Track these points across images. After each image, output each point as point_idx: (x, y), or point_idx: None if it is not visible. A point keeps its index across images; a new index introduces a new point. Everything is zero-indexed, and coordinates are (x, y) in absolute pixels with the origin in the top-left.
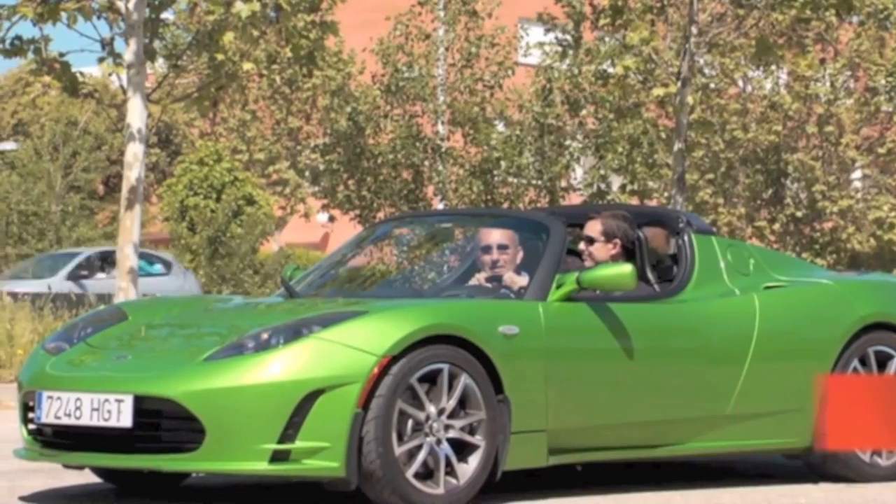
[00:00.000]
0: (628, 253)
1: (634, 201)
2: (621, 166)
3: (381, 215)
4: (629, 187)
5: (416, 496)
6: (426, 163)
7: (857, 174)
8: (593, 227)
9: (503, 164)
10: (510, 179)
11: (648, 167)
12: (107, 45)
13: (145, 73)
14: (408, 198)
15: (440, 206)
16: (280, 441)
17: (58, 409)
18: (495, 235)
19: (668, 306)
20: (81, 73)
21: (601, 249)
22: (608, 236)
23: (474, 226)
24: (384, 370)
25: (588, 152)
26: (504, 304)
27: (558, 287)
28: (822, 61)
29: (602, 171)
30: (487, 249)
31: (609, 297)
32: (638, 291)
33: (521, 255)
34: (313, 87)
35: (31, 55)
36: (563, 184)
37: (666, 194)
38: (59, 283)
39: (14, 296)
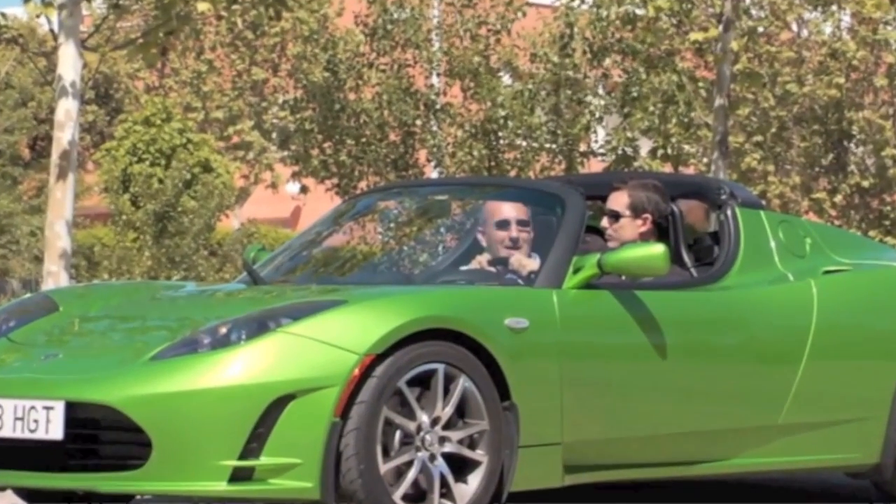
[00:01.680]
0: (660, 231)
1: (667, 169)
2: (652, 127)
3: (363, 185)
4: (661, 152)
5: None
6: (418, 122)
7: None
8: (618, 200)
9: (510, 123)
10: (518, 142)
11: (684, 128)
12: None
13: (80, 14)
14: (396, 164)
15: (435, 175)
16: (242, 457)
17: None
18: (513, 208)
19: (708, 294)
20: (3, 16)
21: (628, 226)
22: (636, 210)
23: (475, 198)
24: (367, 371)
25: (612, 110)
26: (511, 293)
27: (576, 271)
28: (894, 0)
29: (629, 133)
30: (504, 225)
31: (637, 284)
32: (671, 277)
33: (531, 233)
34: (282, 31)
35: None
36: (583, 148)
37: (705, 160)
38: None
39: None
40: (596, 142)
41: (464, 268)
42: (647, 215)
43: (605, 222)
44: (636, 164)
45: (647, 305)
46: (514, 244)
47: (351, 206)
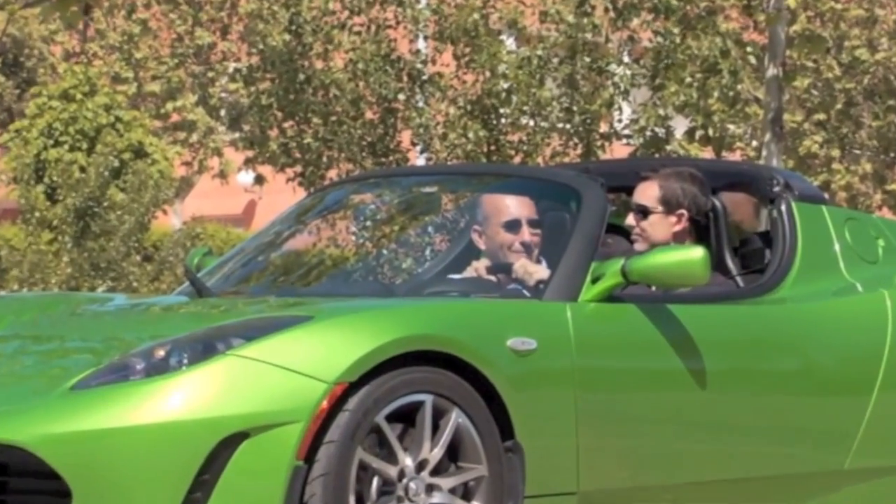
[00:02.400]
0: (698, 230)
1: (708, 154)
2: (689, 103)
3: (332, 175)
4: (700, 133)
5: None
6: (401, 97)
7: None
8: (647, 192)
9: (515, 98)
10: (524, 122)
11: (729, 104)
12: None
13: None
14: (373, 148)
15: (421, 162)
16: None
17: None
18: (521, 205)
19: (758, 309)
20: None
21: (659, 225)
22: (669, 205)
23: (471, 190)
24: (337, 404)
25: (640, 82)
26: (515, 307)
27: (595, 280)
28: None
29: (660, 110)
30: (514, 226)
31: (670, 297)
32: (712, 287)
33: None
34: None
35: None
36: (603, 128)
37: (754, 144)
38: None
39: None
40: (620, 121)
41: (457, 276)
42: (683, 211)
43: (630, 220)
44: (669, 148)
45: (683, 323)
46: (528, 250)
47: (318, 201)
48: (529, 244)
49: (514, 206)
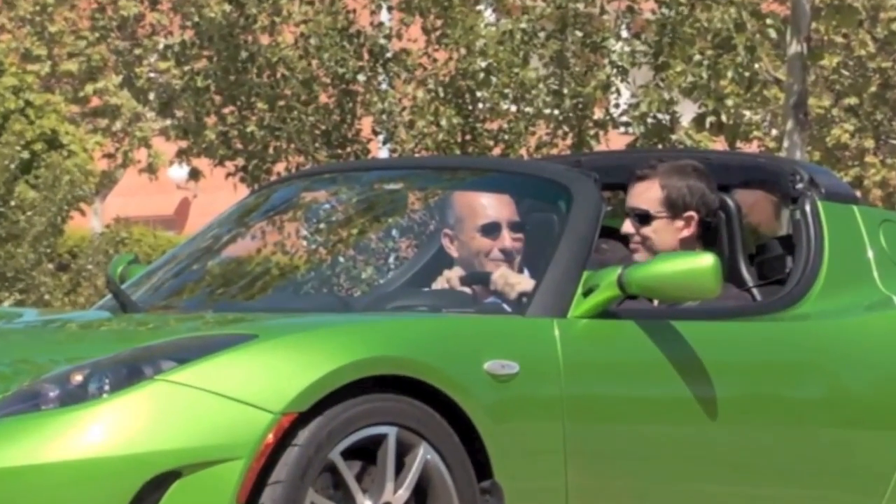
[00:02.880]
0: (708, 234)
1: (719, 145)
2: (698, 85)
3: (280, 169)
4: (711, 120)
5: None
6: (361, 77)
7: None
8: (647, 195)
9: (494, 79)
10: (506, 107)
11: (744, 86)
12: None
13: None
14: (328, 138)
15: (384, 154)
16: None
17: None
18: (501, 205)
19: (778, 327)
20: None
21: (664, 232)
22: (674, 207)
23: (443, 187)
24: (285, 438)
25: (641, 60)
26: (493, 324)
27: (587, 293)
28: None
29: (665, 94)
30: (492, 229)
31: (675, 312)
32: (725, 301)
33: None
34: None
35: None
36: (598, 114)
37: (774, 133)
38: None
39: None
40: (617, 106)
41: (425, 288)
42: (692, 213)
43: (628, 227)
44: (675, 137)
45: (690, 343)
46: (509, 258)
47: (263, 200)
48: (511, 251)
49: (493, 206)
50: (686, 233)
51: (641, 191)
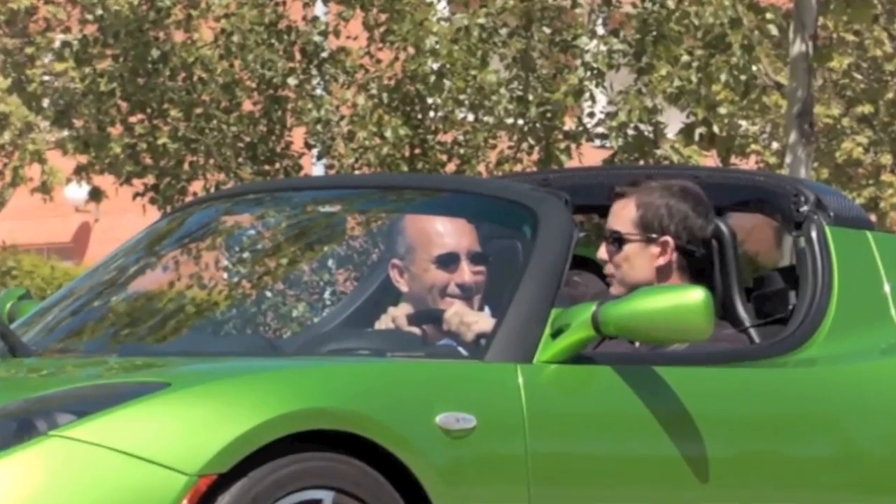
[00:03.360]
0: (694, 265)
1: (712, 161)
2: (685, 90)
3: (197, 189)
4: (701, 132)
5: None
6: (292, 81)
7: None
8: (621, 214)
9: (448, 84)
10: (461, 115)
11: (740, 91)
12: None
13: None
14: (254, 152)
15: (319, 171)
16: None
17: None
18: (459, 232)
19: (779, 374)
20: None
21: (637, 258)
22: (647, 228)
23: (388, 209)
24: (203, 503)
25: (620, 61)
26: (447, 370)
27: (556, 334)
28: None
29: (648, 100)
30: (449, 261)
31: (659, 356)
32: (717, 343)
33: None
34: None
35: None
36: (569, 125)
37: (775, 146)
38: None
39: None
40: (592, 115)
41: (367, 328)
42: (667, 238)
43: (603, 252)
44: (659, 152)
45: (676, 392)
46: (468, 294)
47: (177, 224)
48: (470, 286)
49: (451, 233)
50: (662, 260)
51: (617, 210)
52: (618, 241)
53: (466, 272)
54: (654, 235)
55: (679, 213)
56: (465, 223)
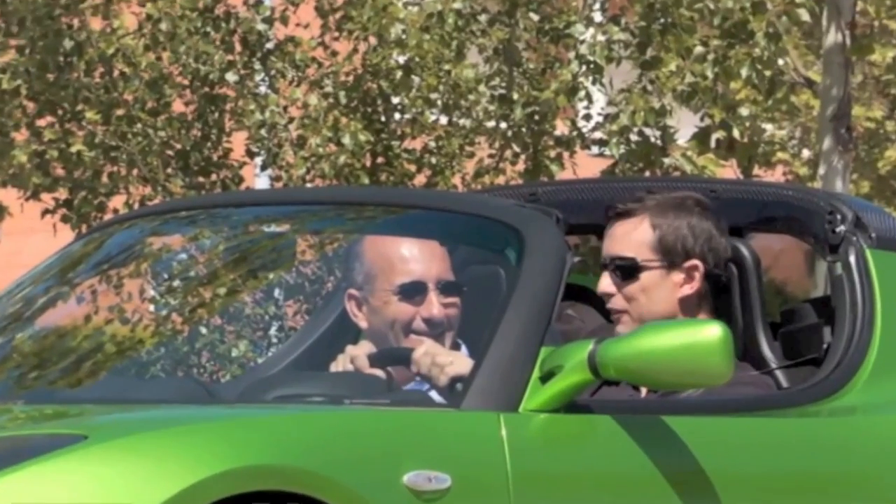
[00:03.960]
0: (715, 295)
1: (730, 173)
2: (699, 88)
3: (118, 204)
4: (717, 136)
5: None
6: (231, 77)
7: None
8: (634, 232)
9: (417, 80)
10: (433, 118)
11: (764, 89)
12: None
13: None
14: (185, 161)
15: (263, 183)
16: None
17: None
18: (428, 257)
19: (812, 424)
20: None
21: (655, 284)
22: (670, 252)
23: (346, 230)
24: None
25: (621, 54)
26: (416, 421)
27: (546, 377)
28: None
29: (654, 100)
30: (414, 291)
31: (669, 404)
32: (738, 388)
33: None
34: None
35: None
36: (561, 129)
37: (806, 154)
38: None
39: None
40: (588, 117)
41: (322, 370)
42: (695, 262)
43: (606, 282)
44: (668, 161)
45: (689, 447)
46: (436, 330)
47: (95, 247)
48: (440, 321)
49: (416, 258)
50: (688, 289)
51: (625, 232)
52: (631, 269)
53: (434, 304)
54: (677, 261)
55: (703, 232)
56: (435, 246)
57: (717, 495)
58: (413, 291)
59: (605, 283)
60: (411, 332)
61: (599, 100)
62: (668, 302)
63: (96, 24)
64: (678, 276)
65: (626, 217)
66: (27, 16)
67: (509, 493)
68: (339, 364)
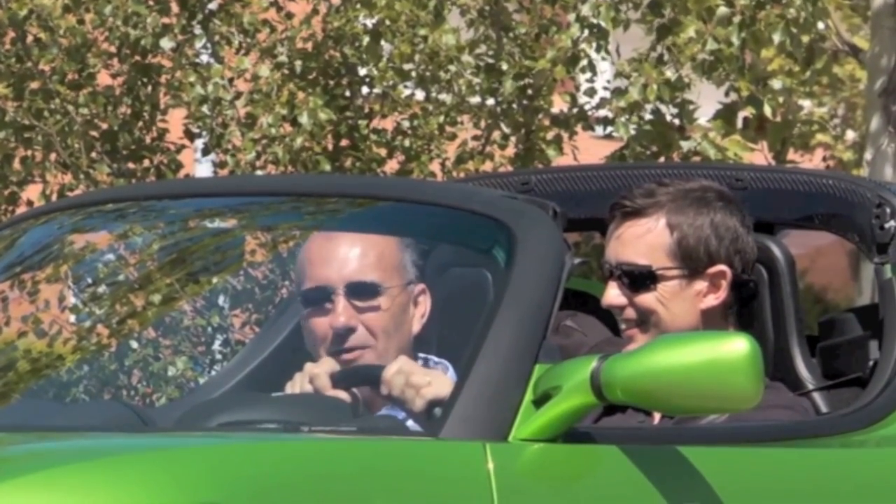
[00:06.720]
0: (743, 302)
1: (760, 158)
2: (722, 57)
3: (33, 195)
4: (744, 115)
5: None
6: (166, 44)
7: None
8: (647, 234)
9: (388, 48)
10: (407, 92)
11: (801, 59)
12: None
13: None
14: (113, 144)
15: (206, 171)
16: None
17: None
18: (342, 254)
19: (856, 455)
20: None
21: (674, 295)
22: (691, 257)
23: (302, 226)
24: None
25: (630, 17)
26: (388, 451)
27: (540, 400)
28: None
29: (669, 71)
30: (318, 299)
31: (687, 431)
32: (769, 413)
33: (427, 306)
34: None
35: None
36: (559, 106)
37: (850, 136)
38: None
39: None
40: (591, 92)
41: (275, 392)
42: (722, 268)
43: (614, 292)
44: (686, 145)
45: (710, 483)
46: (344, 344)
47: (5, 247)
48: (345, 329)
49: (324, 258)
50: (713, 299)
51: (636, 235)
52: (645, 278)
53: (340, 312)
54: (699, 266)
55: (729, 231)
56: (408, 241)
57: None
58: (318, 298)
59: (613, 295)
60: (324, 347)
61: (605, 71)
62: (689, 315)
63: None
64: (701, 285)
65: (637, 215)
66: None
67: None
68: (297, 385)
